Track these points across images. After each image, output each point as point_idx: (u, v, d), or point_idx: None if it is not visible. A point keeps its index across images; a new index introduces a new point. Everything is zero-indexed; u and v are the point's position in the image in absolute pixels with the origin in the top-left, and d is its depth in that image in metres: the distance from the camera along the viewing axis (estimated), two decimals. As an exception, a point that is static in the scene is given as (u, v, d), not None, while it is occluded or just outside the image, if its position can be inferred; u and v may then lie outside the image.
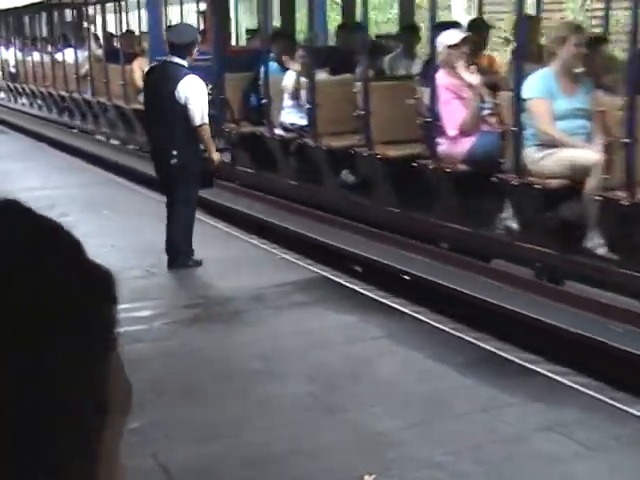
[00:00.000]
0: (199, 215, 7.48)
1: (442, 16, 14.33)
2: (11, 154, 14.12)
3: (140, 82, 10.47)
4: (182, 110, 6.55)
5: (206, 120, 6.71)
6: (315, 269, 7.10)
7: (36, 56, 17.54)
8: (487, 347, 5.33)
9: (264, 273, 6.98)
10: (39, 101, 17.90)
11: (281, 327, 5.79)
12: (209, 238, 7.49)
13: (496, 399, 4.58)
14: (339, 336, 5.56)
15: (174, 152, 6.61)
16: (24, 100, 19.08)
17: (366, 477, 3.73)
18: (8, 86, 20.29)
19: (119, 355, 0.58)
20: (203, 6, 12.47)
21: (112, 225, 8.61)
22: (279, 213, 8.80)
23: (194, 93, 6.60)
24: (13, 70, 19.37)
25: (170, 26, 10.77)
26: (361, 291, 6.51)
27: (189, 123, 6.60)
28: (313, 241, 7.98)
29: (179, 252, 6.94)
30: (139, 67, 12.14)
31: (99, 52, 14.94)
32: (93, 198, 10.18)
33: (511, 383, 4.78)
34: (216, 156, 6.89)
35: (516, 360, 5.13)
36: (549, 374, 4.91)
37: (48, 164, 13.26)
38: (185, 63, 6.66)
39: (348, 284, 6.70)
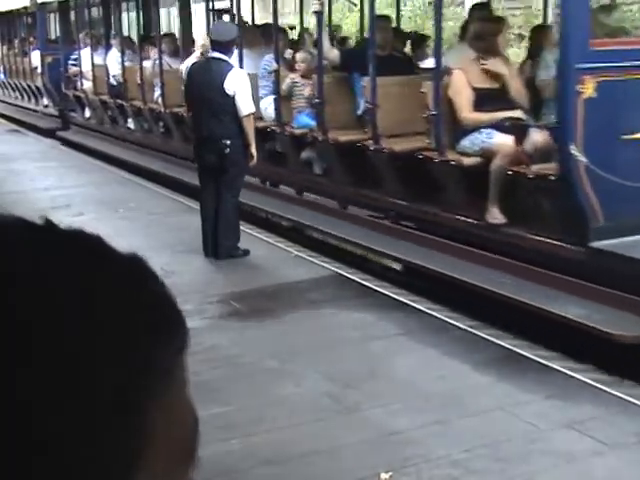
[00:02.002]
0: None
1: (456, 12, 14.31)
2: (27, 154, 14.18)
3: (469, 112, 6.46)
4: (231, 102, 7.02)
5: (252, 110, 7.21)
6: (331, 267, 7.09)
7: (165, 63, 11.53)
8: (504, 344, 5.31)
9: (279, 271, 6.98)
10: (163, 127, 12.07)
11: (297, 325, 5.78)
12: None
13: (513, 396, 4.56)
14: (355, 334, 5.55)
15: (227, 142, 7.01)
16: (131, 124, 13.21)
17: (383, 475, 3.72)
18: (104, 103, 13.94)
19: (177, 401, 0.51)
20: (217, 5, 12.34)
21: (127, 224, 8.62)
22: None
23: (242, 85, 7.09)
24: (114, 82, 13.27)
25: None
26: (377, 289, 6.49)
27: (236, 115, 7.06)
28: None
29: (227, 240, 7.23)
30: (466, 84, 6.54)
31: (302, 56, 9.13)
32: (108, 197, 10.21)
33: (528, 380, 4.76)
34: (254, 153, 7.16)
35: (533, 357, 5.10)
36: (566, 371, 4.89)
37: (64, 164, 13.30)
38: (227, 58, 7.16)
39: (364, 282, 6.68)
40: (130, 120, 13.21)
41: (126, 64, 12.86)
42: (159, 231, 8.26)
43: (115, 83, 13.26)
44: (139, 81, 12.11)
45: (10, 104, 20.42)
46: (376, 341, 5.44)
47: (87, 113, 15.14)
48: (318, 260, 7.32)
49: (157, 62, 11.49)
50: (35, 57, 17.42)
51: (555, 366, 4.95)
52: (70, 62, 15.11)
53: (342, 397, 4.59)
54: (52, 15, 18.88)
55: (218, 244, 7.24)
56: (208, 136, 7.09)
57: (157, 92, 11.68)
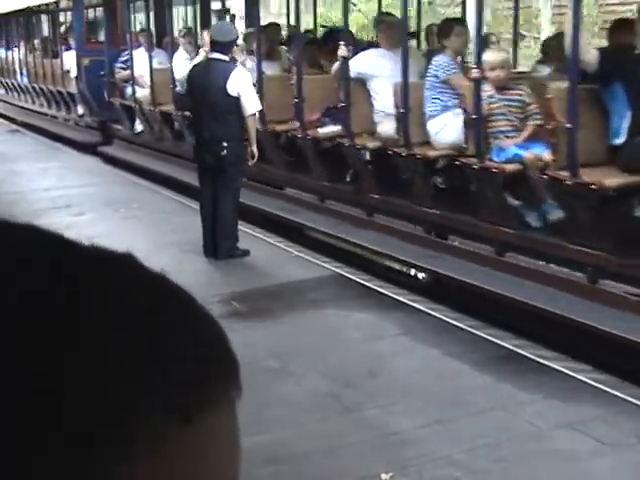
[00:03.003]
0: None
1: (455, 13, 14.30)
2: (27, 155, 14.18)
3: None
4: (235, 103, 6.96)
5: (259, 109, 7.25)
6: (331, 267, 7.09)
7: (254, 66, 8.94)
8: (505, 345, 5.31)
9: (280, 271, 6.98)
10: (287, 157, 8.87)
11: (297, 325, 5.78)
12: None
13: (514, 397, 4.56)
14: (356, 334, 5.55)
15: (226, 144, 6.97)
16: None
17: (383, 475, 3.72)
18: (166, 115, 11.40)
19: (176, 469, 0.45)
20: (215, 5, 12.28)
21: (128, 224, 8.62)
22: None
23: (245, 85, 7.07)
24: (183, 90, 9.79)
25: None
26: (377, 289, 6.49)
27: (240, 115, 7.01)
28: None
29: (226, 240, 7.22)
30: None
31: None
32: (110, 197, 10.21)
33: (529, 381, 4.76)
34: (256, 152, 7.14)
35: (533, 357, 5.10)
36: (567, 371, 4.88)
37: (65, 164, 13.30)
38: (227, 59, 7.12)
39: (364, 282, 6.68)
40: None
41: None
42: (160, 231, 8.26)
43: (184, 91, 10.01)
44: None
45: (33, 111, 18.35)
46: (377, 341, 5.44)
47: (138, 126, 12.54)
48: (319, 260, 7.32)
49: (250, 66, 8.81)
50: (68, 59, 15.09)
51: (555, 366, 4.95)
52: (117, 65, 12.67)
53: (343, 397, 4.58)
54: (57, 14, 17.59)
55: (217, 244, 7.25)
56: (209, 138, 7.06)
57: None
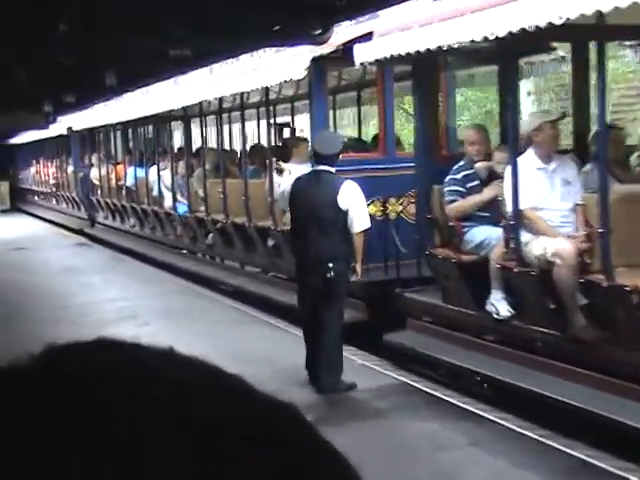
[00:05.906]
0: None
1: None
2: (94, 267, 14.47)
3: None
4: (343, 218, 6.49)
5: (368, 226, 6.66)
6: (396, 375, 7.03)
7: None
8: (577, 455, 5.16)
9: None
10: None
11: (362, 434, 5.70)
12: (283, 344, 7.48)
13: (590, 510, 4.40)
14: (423, 444, 5.45)
15: (333, 263, 6.41)
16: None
17: None
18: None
19: None
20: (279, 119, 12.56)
21: (192, 333, 8.67)
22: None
23: (356, 199, 6.58)
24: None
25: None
26: (443, 397, 6.39)
27: (347, 232, 6.51)
28: None
29: (329, 375, 6.61)
30: None
31: None
32: (171, 307, 10.33)
33: (604, 493, 4.61)
34: (359, 270, 6.68)
35: (608, 468, 4.94)
36: (644, 483, 4.71)
37: (127, 275, 13.53)
38: (334, 171, 6.66)
39: (430, 390, 6.59)
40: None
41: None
42: (225, 341, 8.28)
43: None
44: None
45: (192, 254, 13.53)
46: (445, 451, 5.33)
47: (500, 309, 6.55)
48: (383, 368, 7.26)
49: None
50: (287, 178, 8.92)
51: (633, 478, 4.78)
52: (447, 188, 7.13)
53: (412, 510, 4.48)
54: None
55: (318, 377, 6.63)
56: (315, 256, 6.49)
57: None
